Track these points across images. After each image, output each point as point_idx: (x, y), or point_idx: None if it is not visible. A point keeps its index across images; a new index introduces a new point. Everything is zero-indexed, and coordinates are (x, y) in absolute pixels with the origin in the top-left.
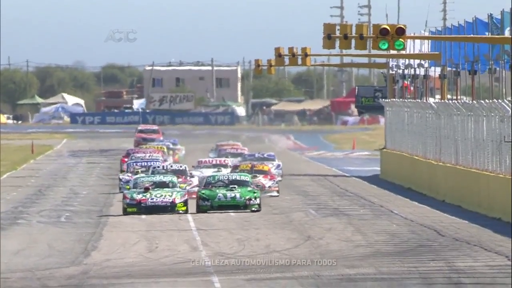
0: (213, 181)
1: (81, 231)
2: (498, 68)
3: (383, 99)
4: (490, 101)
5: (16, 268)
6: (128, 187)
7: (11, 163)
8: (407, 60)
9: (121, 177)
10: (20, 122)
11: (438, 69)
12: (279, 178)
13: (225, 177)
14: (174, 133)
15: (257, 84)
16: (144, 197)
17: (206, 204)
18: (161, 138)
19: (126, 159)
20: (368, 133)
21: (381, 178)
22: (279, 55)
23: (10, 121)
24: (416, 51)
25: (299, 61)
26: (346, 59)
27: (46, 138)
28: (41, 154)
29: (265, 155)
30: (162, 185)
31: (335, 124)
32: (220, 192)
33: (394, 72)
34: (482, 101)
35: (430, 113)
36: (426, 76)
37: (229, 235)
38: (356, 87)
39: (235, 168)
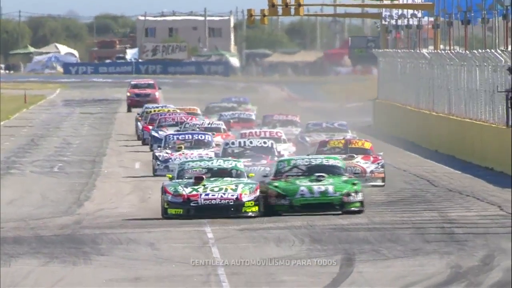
0: (287, 167)
1: (74, 181)
2: (491, 18)
3: (376, 50)
4: (483, 51)
5: (10, 218)
6: (170, 176)
7: (4, 112)
8: (400, 10)
9: (157, 154)
10: (12, 71)
11: (431, 19)
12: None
13: (305, 162)
14: (167, 82)
15: (251, 34)
16: (195, 192)
17: (283, 203)
18: (235, 98)
19: (151, 127)
20: (361, 84)
21: (373, 128)
22: (272, 5)
23: (2, 71)
24: (409, 1)
25: (292, 11)
26: (339, 10)
27: (39, 88)
28: (34, 104)
29: (335, 125)
30: (221, 173)
31: (328, 75)
32: (303, 185)
33: (387, 22)
34: (475, 51)
35: (423, 63)
36: (419, 26)
37: None
38: (350, 38)
39: (322, 145)
